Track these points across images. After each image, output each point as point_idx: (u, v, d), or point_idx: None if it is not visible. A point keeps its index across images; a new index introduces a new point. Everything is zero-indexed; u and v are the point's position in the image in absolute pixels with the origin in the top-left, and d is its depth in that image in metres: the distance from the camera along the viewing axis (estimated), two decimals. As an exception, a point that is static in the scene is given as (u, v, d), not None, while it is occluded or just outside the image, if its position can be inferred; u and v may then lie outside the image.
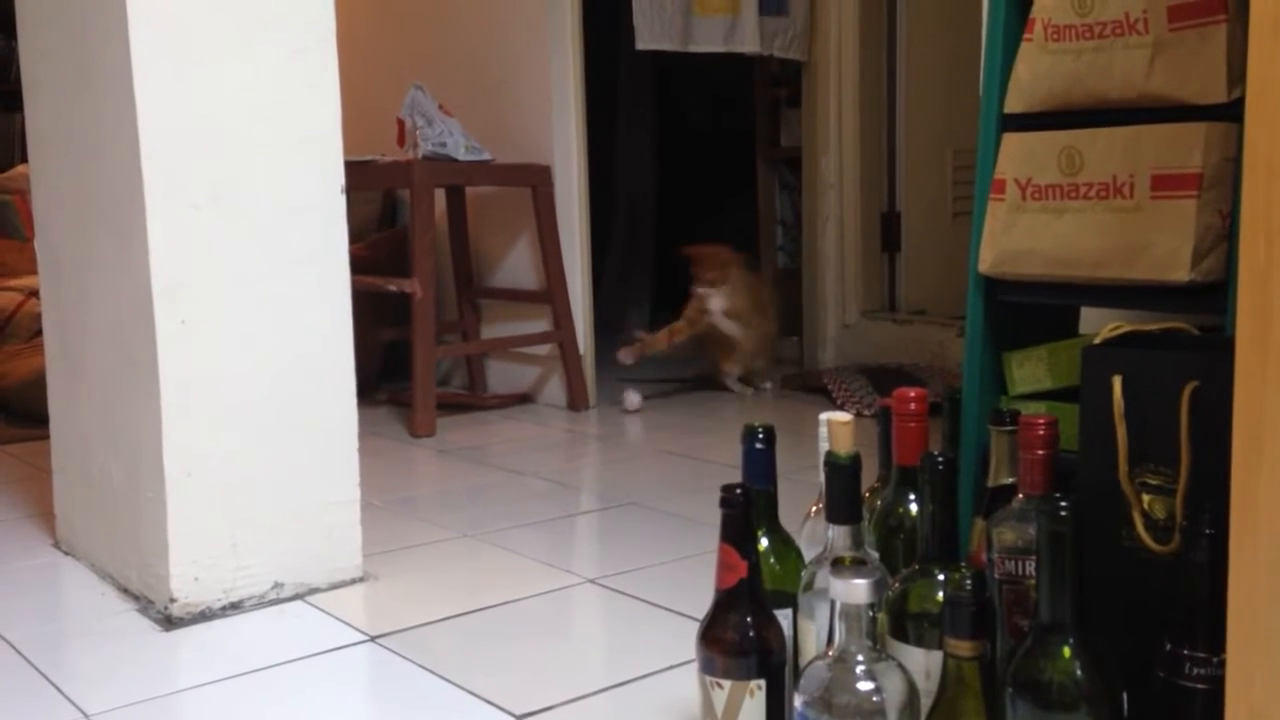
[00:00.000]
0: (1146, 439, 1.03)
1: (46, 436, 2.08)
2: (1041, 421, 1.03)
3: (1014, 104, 1.37)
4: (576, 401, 3.29)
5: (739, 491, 1.02)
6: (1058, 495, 0.93)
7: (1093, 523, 1.02)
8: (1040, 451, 1.03)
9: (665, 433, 2.96)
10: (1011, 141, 1.37)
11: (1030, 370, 1.41)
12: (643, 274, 4.83)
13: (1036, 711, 0.90)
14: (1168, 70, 1.23)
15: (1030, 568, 1.03)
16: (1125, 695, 0.92)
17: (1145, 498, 1.04)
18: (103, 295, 1.80)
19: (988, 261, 1.38)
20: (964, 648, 0.92)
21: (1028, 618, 1.01)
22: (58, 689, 1.44)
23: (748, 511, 1.03)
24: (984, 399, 1.42)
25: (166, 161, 1.62)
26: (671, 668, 1.45)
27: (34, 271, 2.10)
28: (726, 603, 1.04)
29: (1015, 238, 1.35)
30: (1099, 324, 1.23)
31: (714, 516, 1.04)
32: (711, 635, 1.04)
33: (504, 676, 1.45)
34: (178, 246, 1.64)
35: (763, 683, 1.02)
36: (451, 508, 2.31)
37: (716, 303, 3.25)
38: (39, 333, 2.36)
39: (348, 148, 1.81)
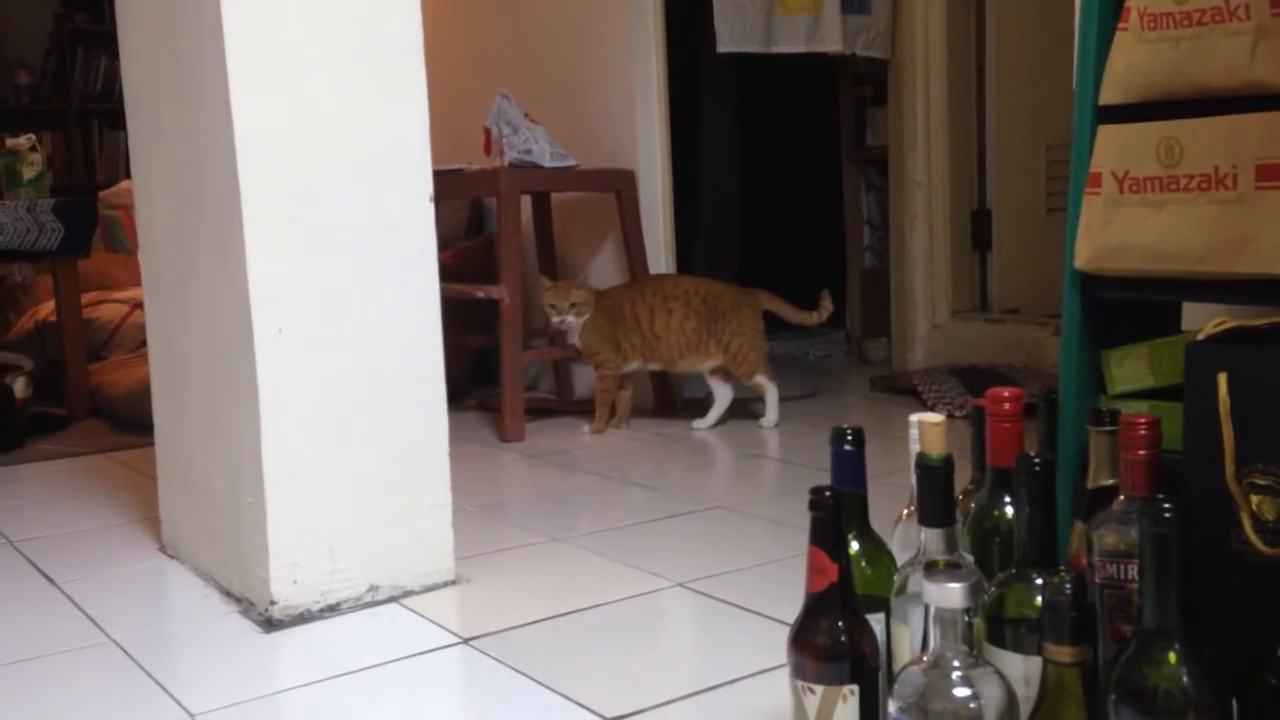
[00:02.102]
0: (1254, 438, 1.00)
1: (151, 443, 2.15)
2: (1143, 421, 1.00)
3: (1110, 95, 1.34)
4: (663, 405, 3.29)
5: (828, 494, 1.01)
6: (1161, 497, 0.91)
7: (1198, 525, 0.99)
8: (1142, 452, 1.01)
9: (753, 436, 2.95)
10: (1107, 134, 1.34)
11: (1131, 368, 1.37)
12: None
13: (1141, 719, 0.87)
14: (1271, 57, 1.19)
15: (1132, 571, 1.00)
16: (1234, 702, 0.89)
17: (1253, 499, 1.00)
18: (203, 305, 1.85)
19: (1084, 257, 1.35)
20: (1064, 653, 0.90)
21: (1130, 623, 0.98)
22: (164, 689, 1.49)
23: (837, 514, 1.01)
24: (1082, 399, 1.38)
25: (263, 174, 1.66)
26: (762, 672, 1.44)
27: (139, 284, 2.17)
28: (817, 607, 1.02)
29: (1113, 232, 1.32)
30: (1201, 320, 1.19)
31: (803, 519, 1.03)
32: (803, 639, 1.03)
33: (594, 679, 1.46)
34: (274, 257, 1.68)
35: (856, 688, 1.01)
36: (541, 512, 2.33)
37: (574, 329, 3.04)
38: (144, 343, 2.44)
39: (436, 156, 1.84)
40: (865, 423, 1.14)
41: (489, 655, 1.55)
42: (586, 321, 3.02)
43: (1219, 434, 1.01)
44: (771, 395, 3.02)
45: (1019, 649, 1.02)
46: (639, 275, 3.22)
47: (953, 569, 0.95)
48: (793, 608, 1.07)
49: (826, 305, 3.09)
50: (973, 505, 1.18)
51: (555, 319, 3.02)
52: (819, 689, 1.01)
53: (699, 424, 3.05)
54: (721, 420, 3.06)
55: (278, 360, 1.69)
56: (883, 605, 1.10)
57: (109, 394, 3.38)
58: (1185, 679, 0.87)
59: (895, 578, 1.09)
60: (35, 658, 1.61)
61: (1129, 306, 1.38)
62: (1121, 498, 1.03)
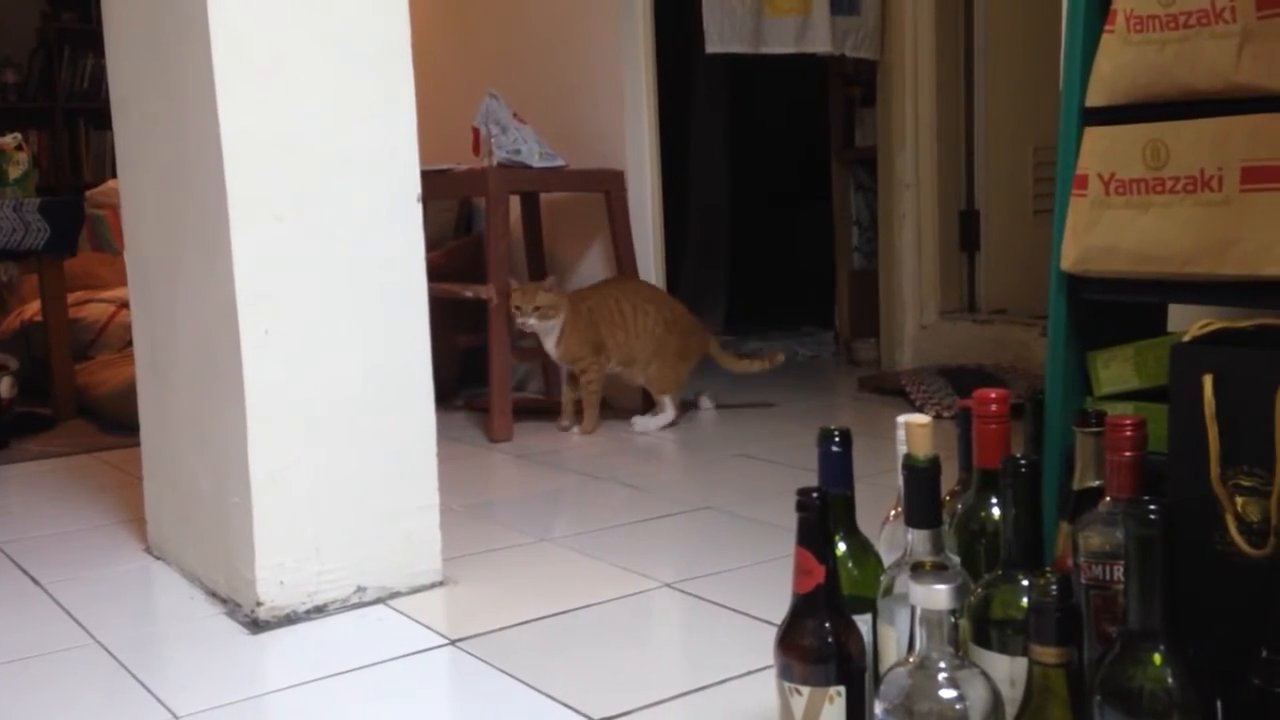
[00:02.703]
0: (1239, 439, 1.00)
1: (138, 444, 2.14)
2: (1129, 422, 1.01)
3: (1096, 97, 1.34)
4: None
5: (815, 495, 1.01)
6: (1146, 498, 0.91)
7: (1183, 526, 0.99)
8: (1128, 453, 1.01)
9: (741, 436, 2.95)
10: (1094, 136, 1.34)
11: (1116, 370, 1.38)
12: (717, 276, 4.82)
13: (1126, 720, 0.88)
14: (1257, 60, 1.19)
15: (1118, 573, 1.01)
16: (1219, 704, 0.89)
17: (1238, 500, 1.01)
18: (190, 306, 1.84)
19: (1071, 259, 1.35)
20: (1050, 654, 0.90)
21: (1115, 624, 0.98)
22: (149, 691, 1.48)
23: (824, 515, 1.01)
24: (1068, 400, 1.39)
25: (250, 174, 1.66)
26: (750, 673, 1.44)
27: (125, 284, 2.16)
28: (804, 608, 1.02)
29: (1099, 234, 1.32)
30: (1187, 321, 1.19)
31: (791, 520, 1.03)
32: (790, 641, 1.03)
33: (582, 681, 1.46)
34: (261, 257, 1.67)
35: (842, 689, 1.01)
36: (529, 512, 2.33)
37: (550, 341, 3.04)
38: (130, 343, 2.43)
39: (424, 157, 1.83)
40: (853, 423, 1.15)
41: (476, 656, 1.55)
42: (566, 329, 3.00)
43: (1204, 435, 1.01)
44: (664, 418, 3.06)
45: (1005, 650, 1.02)
46: (608, 278, 3.22)
47: (939, 570, 0.95)
48: (780, 609, 1.07)
49: (755, 361, 3.23)
50: (959, 506, 1.18)
51: (519, 320, 2.97)
52: (806, 690, 1.01)
53: (639, 421, 3.09)
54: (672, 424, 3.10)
55: (264, 360, 1.68)
56: (869, 606, 1.10)
57: (95, 394, 3.37)
58: (1170, 680, 0.87)
59: (882, 579, 1.09)
60: (19, 659, 1.60)
61: (1115, 308, 1.38)
62: (1107, 499, 1.03)
